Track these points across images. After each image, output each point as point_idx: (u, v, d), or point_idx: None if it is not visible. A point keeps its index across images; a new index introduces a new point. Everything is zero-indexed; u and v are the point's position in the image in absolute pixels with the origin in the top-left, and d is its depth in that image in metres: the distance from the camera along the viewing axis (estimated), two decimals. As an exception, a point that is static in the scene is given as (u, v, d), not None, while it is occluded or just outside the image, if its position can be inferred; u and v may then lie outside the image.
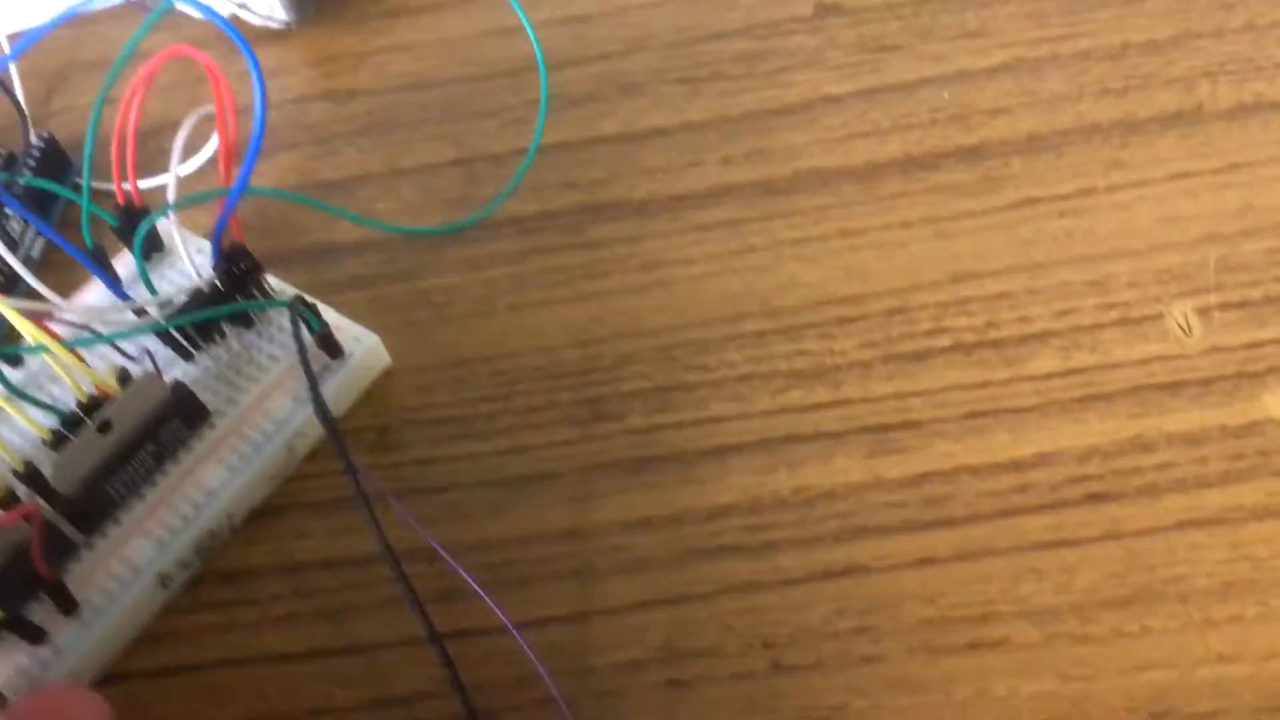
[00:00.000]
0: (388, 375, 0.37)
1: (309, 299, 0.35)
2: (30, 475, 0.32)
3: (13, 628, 0.31)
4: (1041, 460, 0.32)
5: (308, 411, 0.34)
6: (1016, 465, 0.33)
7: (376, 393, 0.37)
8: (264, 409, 0.35)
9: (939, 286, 0.36)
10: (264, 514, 0.35)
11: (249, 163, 0.31)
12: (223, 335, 0.36)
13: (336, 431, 0.31)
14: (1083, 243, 0.36)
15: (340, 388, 0.36)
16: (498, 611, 0.31)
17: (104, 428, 0.33)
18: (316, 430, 0.35)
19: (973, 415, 0.34)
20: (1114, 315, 0.35)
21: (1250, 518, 0.31)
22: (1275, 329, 0.34)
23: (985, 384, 0.34)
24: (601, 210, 0.40)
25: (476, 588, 0.31)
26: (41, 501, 0.32)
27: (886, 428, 0.34)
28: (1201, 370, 0.33)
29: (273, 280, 0.37)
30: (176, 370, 0.36)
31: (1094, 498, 0.32)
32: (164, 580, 0.33)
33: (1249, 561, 0.30)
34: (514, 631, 0.31)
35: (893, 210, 0.38)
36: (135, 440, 0.34)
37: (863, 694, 0.30)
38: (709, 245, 0.38)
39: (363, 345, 0.36)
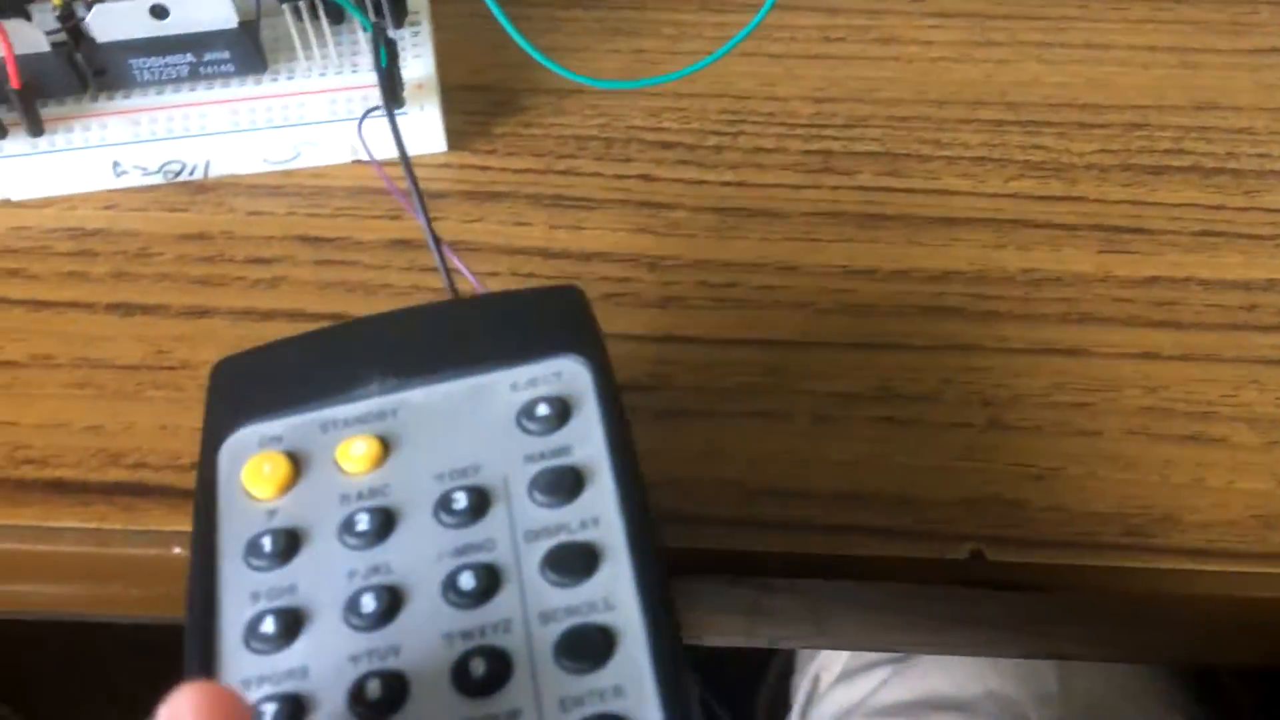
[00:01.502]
0: (613, 93, 0.36)
1: (391, 37, 0.34)
2: (69, 12, 0.33)
3: None
4: (1272, 285, 0.33)
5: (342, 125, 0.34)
6: (1247, 285, 0.33)
7: (604, 106, 0.36)
8: (308, 101, 0.34)
9: (1181, 111, 0.36)
10: (485, 196, 0.34)
11: None
12: (338, 20, 0.35)
13: (432, 155, 0.31)
14: (1330, 96, 0.36)
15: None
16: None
17: (158, 11, 0.32)
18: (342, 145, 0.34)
19: (1206, 234, 0.34)
20: (1357, 167, 0.35)
21: None
22: None
23: (1221, 207, 0.34)
24: (842, -20, 0.39)
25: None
26: (44, 37, 0.32)
27: (1119, 229, 0.34)
28: None
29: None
30: (279, 19, 0.35)
31: (1324, 327, 0.32)
32: (116, 167, 0.33)
33: None
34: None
35: (1139, 33, 0.38)
36: (177, 42, 0.33)
37: (1079, 462, 0.30)
38: (950, 32, 0.38)
39: (424, 112, 0.34)
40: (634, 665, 0.20)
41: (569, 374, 0.24)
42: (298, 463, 0.23)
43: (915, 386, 0.31)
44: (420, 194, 0.29)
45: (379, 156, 0.34)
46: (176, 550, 0.29)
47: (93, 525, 0.29)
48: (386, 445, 0.23)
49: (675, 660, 0.20)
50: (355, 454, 0.23)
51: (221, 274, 0.33)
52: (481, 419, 0.24)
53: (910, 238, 0.34)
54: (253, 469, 0.23)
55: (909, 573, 0.29)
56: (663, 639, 0.20)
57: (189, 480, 0.29)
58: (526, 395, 0.24)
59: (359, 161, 0.35)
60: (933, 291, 0.33)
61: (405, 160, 0.29)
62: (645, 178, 0.35)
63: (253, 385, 0.25)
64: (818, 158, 0.35)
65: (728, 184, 0.35)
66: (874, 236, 0.34)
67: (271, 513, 0.23)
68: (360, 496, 0.23)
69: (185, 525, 0.29)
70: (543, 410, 0.23)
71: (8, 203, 0.34)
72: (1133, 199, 0.34)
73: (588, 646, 0.20)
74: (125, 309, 0.32)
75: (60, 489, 0.29)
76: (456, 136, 0.35)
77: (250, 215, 0.34)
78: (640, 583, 0.21)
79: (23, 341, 0.32)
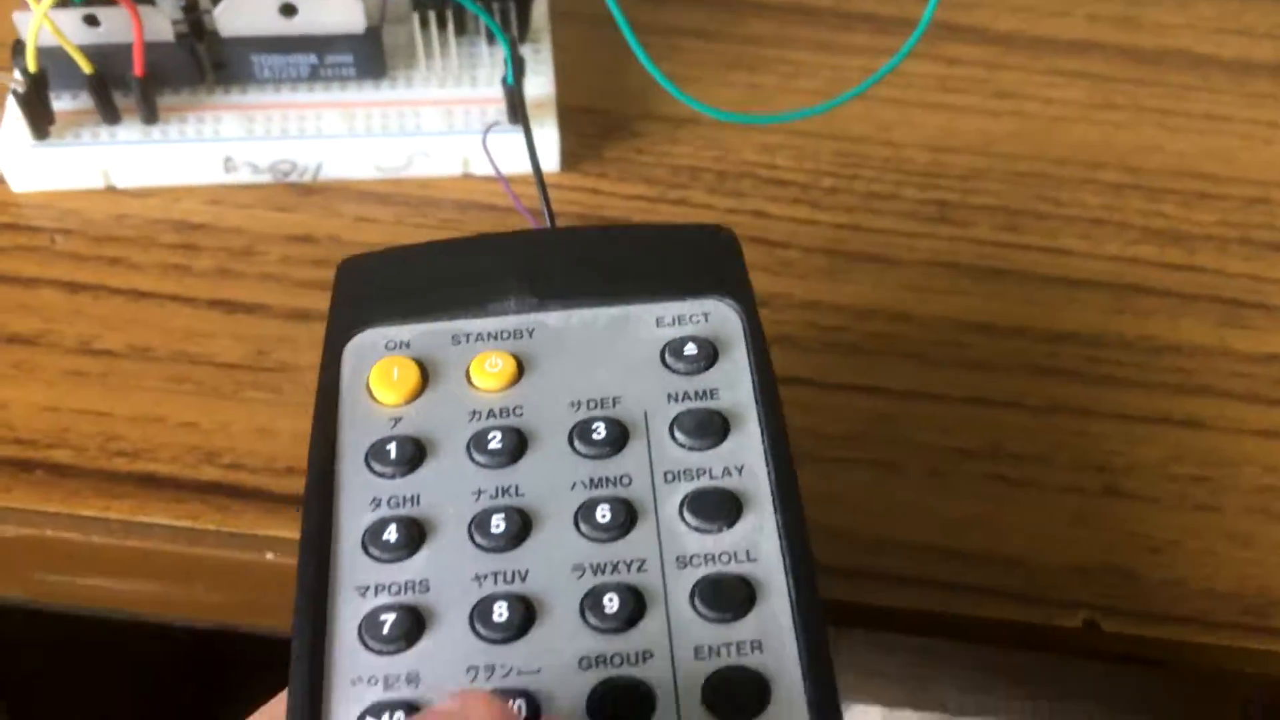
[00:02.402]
0: (726, 126, 0.36)
1: (520, 56, 0.33)
2: (193, 2, 0.33)
3: (99, 99, 0.32)
4: (1396, 371, 0.32)
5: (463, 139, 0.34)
6: (1369, 369, 0.32)
7: (718, 138, 0.36)
8: (424, 111, 0.34)
9: (1303, 188, 0.35)
10: (597, 220, 0.34)
11: None
12: (460, 31, 0.34)
13: (545, 174, 0.30)
14: None
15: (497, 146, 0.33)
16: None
17: (287, 9, 0.32)
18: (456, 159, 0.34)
19: (1328, 313, 0.33)
20: None
21: None
22: None
23: (1343, 288, 0.33)
24: (960, 31, 0.39)
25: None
26: (170, 26, 0.32)
27: (1239, 303, 0.33)
28: None
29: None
30: (399, 26, 0.35)
31: None
32: (227, 163, 0.33)
33: None
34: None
35: (1260, 108, 0.37)
36: (302, 41, 0.32)
37: (1197, 537, 0.29)
38: (1070, 91, 0.38)
39: (543, 130, 0.34)
40: (775, 621, 0.20)
41: (718, 316, 0.23)
42: (426, 371, 0.23)
43: (1029, 447, 0.30)
44: (551, 211, 0.28)
45: (491, 172, 0.34)
46: (269, 556, 0.28)
47: (185, 523, 0.28)
48: (521, 365, 0.23)
49: (819, 621, 0.20)
50: (489, 370, 0.22)
51: (325, 278, 0.31)
52: (623, 351, 0.23)
53: (1027, 295, 0.33)
54: (380, 372, 0.23)
55: (1018, 637, 0.28)
56: (807, 598, 0.20)
57: (285, 485, 0.29)
58: (673, 332, 0.23)
59: (469, 175, 0.34)
60: (1048, 352, 0.32)
61: (539, 176, 0.29)
62: (758, 214, 0.34)
63: (381, 287, 0.24)
64: (934, 207, 0.35)
65: (841, 226, 0.34)
66: (990, 291, 0.33)
67: (396, 419, 0.22)
68: (492, 414, 0.22)
69: (279, 531, 0.28)
70: (690, 349, 0.23)
71: (113, 190, 0.33)
72: (1252, 273, 0.34)
73: (728, 597, 0.20)
74: (227, 306, 0.31)
75: (153, 483, 0.29)
76: (569, 158, 0.35)
77: (357, 221, 0.33)
78: (786, 537, 0.20)
79: (121, 331, 0.31)
